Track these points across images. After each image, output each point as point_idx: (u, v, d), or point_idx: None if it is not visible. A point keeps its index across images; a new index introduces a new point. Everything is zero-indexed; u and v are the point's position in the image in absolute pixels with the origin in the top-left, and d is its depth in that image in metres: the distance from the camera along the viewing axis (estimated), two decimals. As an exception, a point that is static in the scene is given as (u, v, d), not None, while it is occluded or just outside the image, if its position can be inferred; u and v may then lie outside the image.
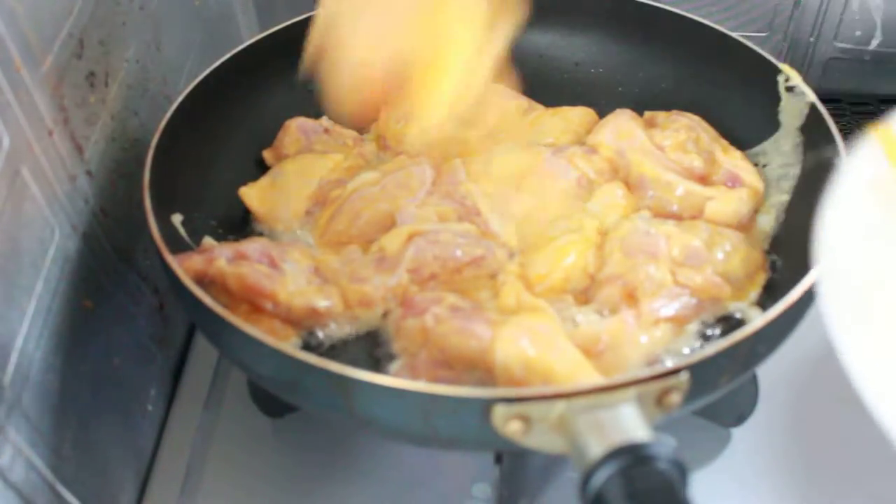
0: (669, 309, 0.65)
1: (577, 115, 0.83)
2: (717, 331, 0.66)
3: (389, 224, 0.72)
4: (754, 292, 0.69)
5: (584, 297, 0.67)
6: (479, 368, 0.59)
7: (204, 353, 0.82)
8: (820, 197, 0.67)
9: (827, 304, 0.37)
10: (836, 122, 0.69)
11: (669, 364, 0.53)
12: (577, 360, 0.59)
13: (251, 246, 0.66)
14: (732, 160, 0.76)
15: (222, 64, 0.76)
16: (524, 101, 0.84)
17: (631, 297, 0.65)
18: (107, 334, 0.68)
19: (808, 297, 0.57)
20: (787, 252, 0.71)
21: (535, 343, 0.59)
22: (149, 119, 0.76)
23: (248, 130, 0.80)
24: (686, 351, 0.64)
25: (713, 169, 0.75)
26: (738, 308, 0.67)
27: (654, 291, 0.65)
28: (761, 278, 0.70)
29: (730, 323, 0.66)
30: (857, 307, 0.37)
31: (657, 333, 0.64)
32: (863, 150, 0.45)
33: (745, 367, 0.58)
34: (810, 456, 0.73)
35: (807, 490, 0.71)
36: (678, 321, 0.65)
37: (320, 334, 0.65)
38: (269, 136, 0.81)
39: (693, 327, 0.66)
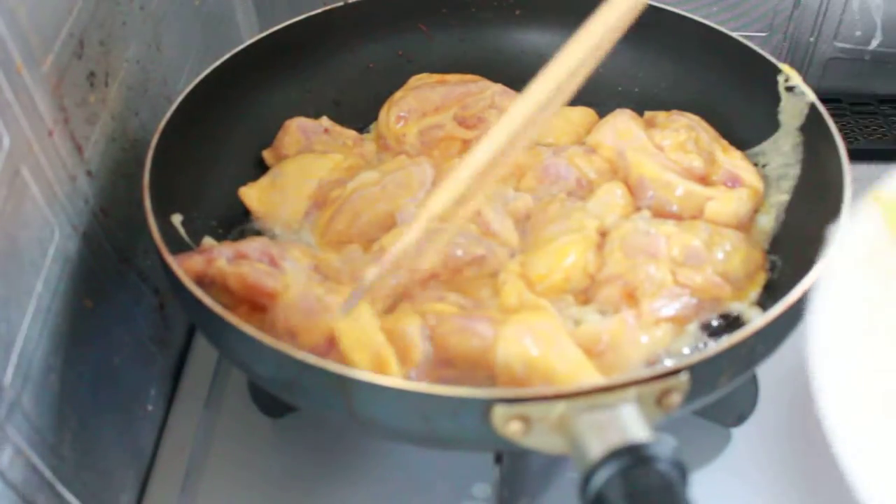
0: (670, 309, 0.65)
1: (577, 115, 0.83)
2: (717, 331, 0.66)
3: (390, 224, 0.72)
4: (754, 292, 0.69)
5: (584, 296, 0.67)
6: (482, 368, 0.59)
7: (204, 353, 0.82)
8: (819, 198, 0.67)
9: (820, 385, 0.35)
10: (836, 122, 0.69)
11: (669, 364, 0.52)
12: (578, 359, 0.59)
13: (251, 245, 0.66)
14: (732, 160, 0.76)
15: (222, 64, 0.76)
16: (524, 101, 0.84)
17: (631, 297, 0.65)
18: (107, 334, 0.68)
19: (808, 298, 0.57)
20: (788, 252, 0.71)
21: (538, 342, 0.58)
22: (149, 119, 0.76)
23: (247, 130, 0.80)
24: (686, 351, 0.64)
25: (713, 169, 0.75)
26: (738, 308, 0.67)
27: (655, 291, 0.65)
28: (761, 278, 0.70)
29: (730, 323, 0.66)
30: (852, 388, 0.35)
31: (658, 333, 0.64)
32: (861, 218, 0.42)
33: (745, 367, 0.58)
34: (810, 456, 0.73)
35: (807, 490, 0.71)
36: (678, 321, 0.65)
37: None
38: (269, 136, 0.81)
39: (693, 327, 0.66)
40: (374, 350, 0.58)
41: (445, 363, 0.59)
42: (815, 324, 0.37)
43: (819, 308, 0.37)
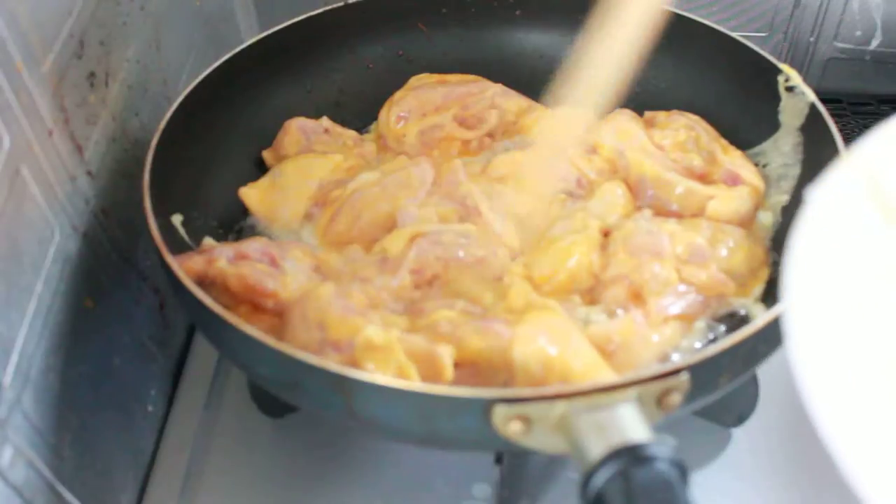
0: (676, 307, 0.65)
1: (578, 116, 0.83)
2: (724, 327, 0.66)
3: (390, 224, 0.71)
4: (758, 288, 0.69)
5: (589, 297, 0.67)
6: (502, 370, 0.59)
7: (204, 353, 0.82)
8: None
9: (796, 354, 0.34)
10: (836, 122, 0.69)
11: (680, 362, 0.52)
12: (593, 357, 0.59)
13: (252, 245, 0.66)
14: (732, 159, 0.76)
15: (222, 64, 0.76)
16: (524, 101, 0.84)
17: (637, 297, 0.65)
18: (107, 334, 0.68)
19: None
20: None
21: (553, 340, 0.58)
22: (149, 119, 0.76)
23: (247, 130, 0.80)
24: (697, 347, 0.65)
25: (713, 168, 0.75)
26: (742, 304, 0.67)
27: (660, 290, 0.65)
28: (764, 274, 0.70)
29: (737, 319, 0.67)
30: (828, 357, 0.34)
31: (667, 331, 0.64)
32: (837, 182, 0.40)
33: (745, 366, 0.58)
34: (810, 456, 0.73)
35: (807, 490, 0.71)
36: (686, 318, 0.65)
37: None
38: (269, 136, 0.81)
39: (701, 324, 0.66)
40: (396, 364, 0.57)
41: (470, 369, 0.59)
42: (791, 294, 0.36)
43: (794, 281, 0.36)
